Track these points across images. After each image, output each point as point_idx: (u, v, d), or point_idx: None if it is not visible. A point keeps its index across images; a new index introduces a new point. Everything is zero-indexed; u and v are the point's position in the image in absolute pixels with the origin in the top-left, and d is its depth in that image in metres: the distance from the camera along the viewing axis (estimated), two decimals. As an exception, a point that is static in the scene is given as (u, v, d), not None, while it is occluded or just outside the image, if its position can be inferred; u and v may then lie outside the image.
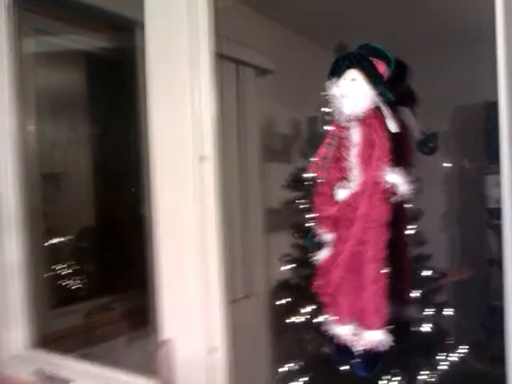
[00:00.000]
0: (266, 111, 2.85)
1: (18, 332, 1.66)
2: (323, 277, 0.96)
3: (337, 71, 0.96)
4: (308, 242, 1.00)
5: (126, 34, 2.09)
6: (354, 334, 0.92)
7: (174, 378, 1.24)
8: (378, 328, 0.89)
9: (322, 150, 1.00)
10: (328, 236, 0.99)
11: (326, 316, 0.97)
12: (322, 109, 2.18)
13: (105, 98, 2.34)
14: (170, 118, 1.24)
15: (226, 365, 1.24)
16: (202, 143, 1.22)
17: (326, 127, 1.91)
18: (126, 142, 2.23)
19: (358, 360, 0.93)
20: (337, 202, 0.98)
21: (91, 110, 2.40)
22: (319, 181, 1.03)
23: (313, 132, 2.77)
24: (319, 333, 1.82)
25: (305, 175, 2.09)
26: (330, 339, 0.97)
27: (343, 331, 0.93)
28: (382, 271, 0.91)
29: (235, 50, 2.47)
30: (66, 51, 2.32)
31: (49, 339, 1.70)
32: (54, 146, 2.23)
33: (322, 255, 0.99)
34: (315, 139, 2.57)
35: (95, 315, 2.14)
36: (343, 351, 0.95)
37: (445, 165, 3.03)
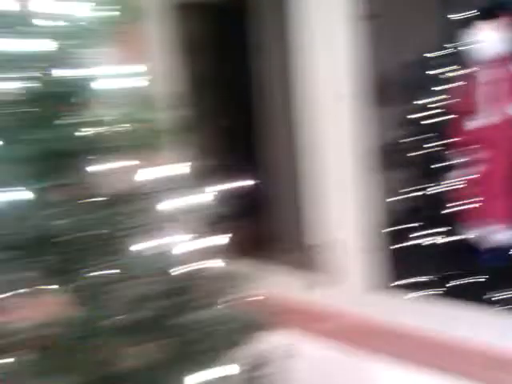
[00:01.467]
0: (373, 56, 3.00)
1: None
2: (474, 191, 1.22)
3: (479, 18, 1.19)
4: (456, 162, 1.26)
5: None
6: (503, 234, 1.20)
7: (336, 272, 1.56)
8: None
9: (463, 88, 1.25)
10: (469, 158, 1.25)
11: (478, 223, 1.24)
12: (428, 54, 2.33)
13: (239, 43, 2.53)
14: (327, 58, 1.51)
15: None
16: (344, 83, 1.49)
17: (447, 70, 2.08)
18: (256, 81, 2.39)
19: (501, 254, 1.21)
20: (472, 131, 1.24)
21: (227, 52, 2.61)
22: (458, 114, 1.28)
23: (419, 75, 2.90)
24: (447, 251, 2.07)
25: (422, 113, 2.26)
26: (477, 242, 1.24)
27: (495, 232, 1.20)
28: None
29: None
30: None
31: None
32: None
33: (467, 174, 1.25)
34: (422, 82, 2.70)
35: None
36: (490, 250, 1.23)
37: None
